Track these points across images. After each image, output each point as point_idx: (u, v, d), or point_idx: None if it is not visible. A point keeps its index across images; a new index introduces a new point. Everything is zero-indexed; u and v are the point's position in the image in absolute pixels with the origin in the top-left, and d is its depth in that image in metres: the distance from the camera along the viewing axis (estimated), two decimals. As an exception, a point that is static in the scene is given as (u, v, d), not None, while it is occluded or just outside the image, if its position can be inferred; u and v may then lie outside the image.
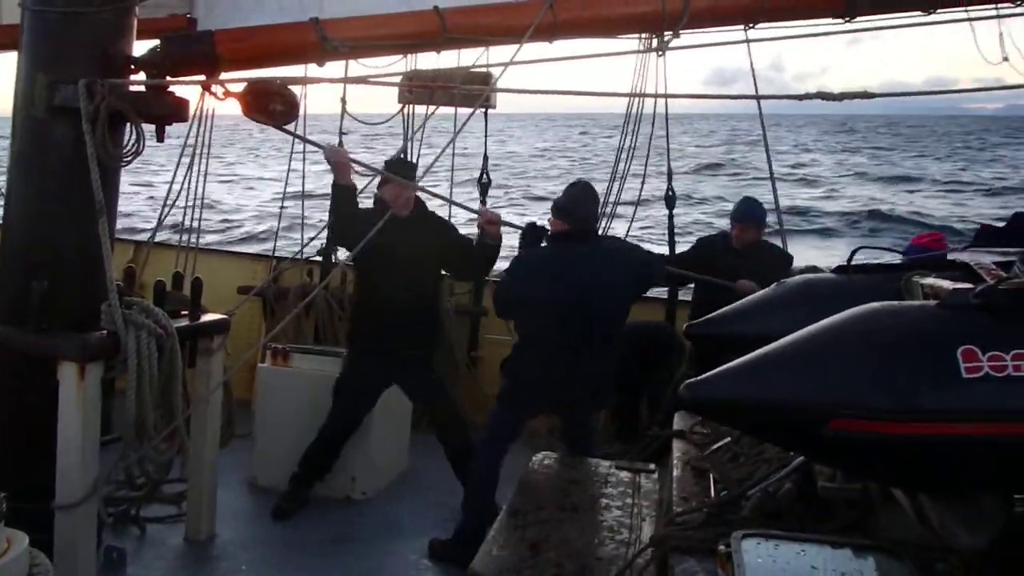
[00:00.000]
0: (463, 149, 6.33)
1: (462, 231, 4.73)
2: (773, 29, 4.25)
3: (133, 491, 3.96)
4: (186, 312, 3.91)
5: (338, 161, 4.29)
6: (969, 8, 4.11)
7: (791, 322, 1.85)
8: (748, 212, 5.16)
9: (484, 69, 4.83)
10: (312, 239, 5.53)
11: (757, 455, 2.52)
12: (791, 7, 4.18)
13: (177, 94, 3.66)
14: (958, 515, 1.76)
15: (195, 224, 5.60)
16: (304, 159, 6.17)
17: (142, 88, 3.58)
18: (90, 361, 3.32)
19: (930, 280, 2.31)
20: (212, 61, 3.73)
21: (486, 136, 6.18)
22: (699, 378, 1.80)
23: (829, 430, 1.62)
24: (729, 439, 2.74)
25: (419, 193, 4.45)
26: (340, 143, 5.94)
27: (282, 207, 7.02)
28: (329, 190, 4.34)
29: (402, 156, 4.85)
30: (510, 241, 4.52)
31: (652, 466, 3.50)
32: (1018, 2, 4.11)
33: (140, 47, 3.67)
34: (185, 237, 5.76)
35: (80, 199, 3.40)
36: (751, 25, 4.21)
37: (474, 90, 4.75)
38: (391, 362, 4.51)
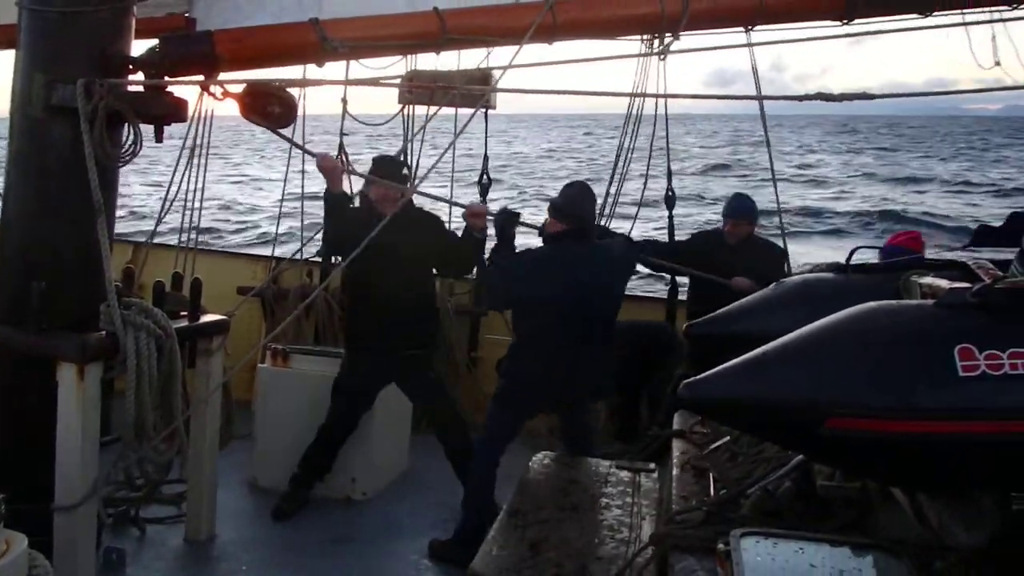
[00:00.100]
0: (467, 150, 6.30)
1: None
2: (773, 32, 4.26)
3: (133, 492, 3.94)
4: (185, 313, 3.90)
5: (328, 167, 4.28)
6: (965, 12, 4.12)
7: (791, 321, 1.86)
8: (739, 207, 5.19)
9: (484, 69, 4.83)
10: (311, 238, 5.52)
11: (756, 454, 2.52)
12: (790, 9, 4.19)
13: (176, 94, 3.65)
14: (956, 514, 1.76)
15: (195, 224, 5.59)
16: (304, 160, 6.15)
17: (140, 88, 3.57)
18: (89, 362, 3.31)
19: (928, 279, 2.32)
20: (211, 61, 3.71)
21: (486, 136, 6.18)
22: (698, 377, 1.81)
23: (826, 428, 1.63)
24: (728, 438, 2.74)
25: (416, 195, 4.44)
26: (341, 144, 5.94)
27: (280, 208, 6.99)
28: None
29: (389, 155, 4.81)
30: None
31: (652, 465, 3.51)
32: (1013, 6, 4.12)
33: (139, 47, 3.66)
34: (184, 237, 5.75)
35: (79, 199, 3.39)
36: (750, 27, 4.22)
37: (475, 90, 4.74)
38: (391, 362, 4.50)
